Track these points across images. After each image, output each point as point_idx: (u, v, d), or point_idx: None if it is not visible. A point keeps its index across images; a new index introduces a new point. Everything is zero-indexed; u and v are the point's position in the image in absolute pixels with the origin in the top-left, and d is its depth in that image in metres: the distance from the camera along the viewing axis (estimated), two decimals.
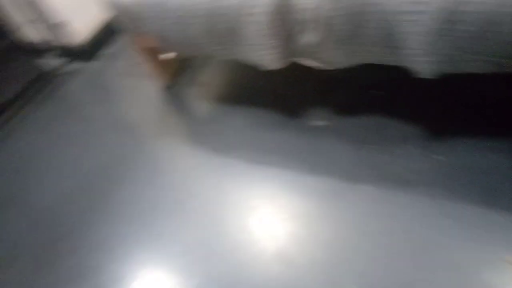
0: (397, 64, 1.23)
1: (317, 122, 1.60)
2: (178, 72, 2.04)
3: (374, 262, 1.18)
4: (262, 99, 1.77)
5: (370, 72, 1.70)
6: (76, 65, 2.31)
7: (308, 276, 1.20)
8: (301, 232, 1.30)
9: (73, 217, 1.56)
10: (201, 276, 1.27)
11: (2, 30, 2.06)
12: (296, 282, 1.19)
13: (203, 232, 1.38)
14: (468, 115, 1.45)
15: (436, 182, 1.30)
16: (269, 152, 1.56)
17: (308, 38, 1.22)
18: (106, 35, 2.36)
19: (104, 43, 2.37)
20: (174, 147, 1.71)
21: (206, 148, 1.66)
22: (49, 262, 1.43)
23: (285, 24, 1.23)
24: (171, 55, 1.97)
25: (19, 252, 1.49)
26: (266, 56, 1.29)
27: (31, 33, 2.25)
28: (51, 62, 2.33)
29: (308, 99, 1.70)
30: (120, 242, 1.43)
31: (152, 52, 1.83)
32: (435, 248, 1.17)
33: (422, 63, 1.13)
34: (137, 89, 2.05)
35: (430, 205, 1.26)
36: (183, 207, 1.47)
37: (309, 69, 1.59)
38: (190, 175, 1.58)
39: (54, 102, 2.12)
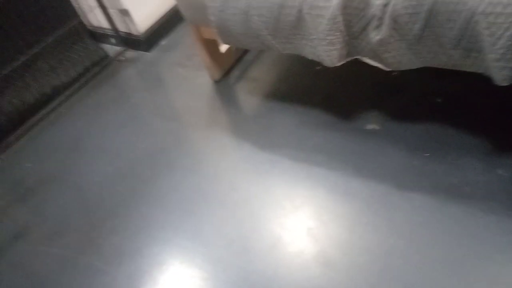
0: (469, 69, 1.16)
1: (369, 125, 1.55)
2: (230, 66, 2.06)
3: (421, 274, 1.12)
4: (313, 97, 1.75)
5: (432, 78, 1.62)
6: (134, 53, 2.39)
7: (348, 281, 1.16)
8: (343, 235, 1.26)
9: (118, 199, 1.60)
10: (235, 270, 1.27)
11: (71, 13, 2.17)
12: (335, 286, 1.16)
13: (242, 226, 1.38)
14: None
15: (495, 197, 1.22)
16: (316, 151, 1.53)
17: (375, 35, 1.18)
18: (165, 25, 2.42)
19: (163, 33, 2.43)
20: (220, 139, 1.72)
21: (251, 143, 1.65)
22: (93, 240, 1.49)
23: (352, 20, 1.20)
24: (227, 47, 1.99)
25: (66, 227, 1.56)
26: (329, 51, 1.26)
27: (97, 19, 2.36)
28: (111, 48, 2.43)
29: (362, 101, 1.65)
30: (161, 227, 1.45)
31: (209, 44, 1.86)
32: (488, 265, 1.09)
33: (499, 68, 1.05)
34: (189, 80, 2.09)
35: (486, 220, 1.17)
36: (225, 199, 1.48)
37: (366, 70, 1.54)
38: (234, 168, 1.58)
39: (108, 87, 2.21)
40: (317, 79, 1.82)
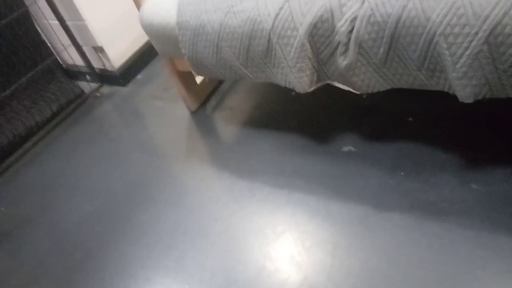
0: (435, 88, 1.20)
1: (345, 147, 1.57)
2: (206, 96, 2.07)
3: None
4: (289, 122, 1.77)
5: (402, 98, 1.67)
6: (110, 89, 2.39)
7: None
8: (326, 260, 1.25)
9: (97, 239, 1.56)
10: None
11: (45, 53, 2.17)
12: None
13: (225, 257, 1.35)
14: (510, 143, 1.38)
15: (472, 212, 1.23)
16: (294, 176, 1.53)
17: (342, 61, 1.21)
18: (141, 59, 2.44)
19: (139, 68, 2.45)
20: (199, 170, 1.71)
21: (231, 171, 1.65)
22: (69, 285, 1.43)
23: (319, 47, 1.23)
24: (201, 79, 2.01)
25: (42, 272, 1.50)
26: (299, 78, 1.29)
27: (71, 56, 2.36)
28: (87, 85, 2.42)
29: (337, 124, 1.67)
30: (141, 266, 1.41)
31: (184, 76, 1.88)
32: (470, 281, 1.09)
33: (462, 86, 1.09)
34: (166, 112, 2.09)
35: (464, 235, 1.18)
36: (207, 231, 1.45)
37: (338, 94, 1.57)
38: (214, 199, 1.56)
39: (85, 124, 2.19)
40: (292, 105, 1.85)
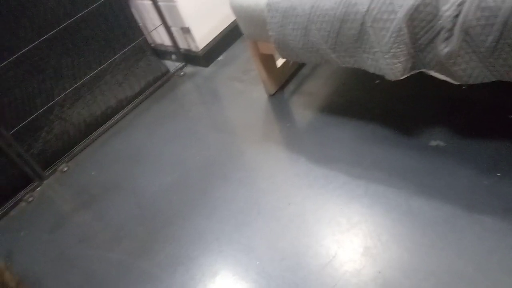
0: None
1: (433, 142, 1.47)
2: (286, 80, 2.07)
3: None
4: (371, 112, 1.70)
5: (504, 92, 1.52)
6: (192, 69, 2.48)
7: None
8: (405, 256, 1.19)
9: (174, 208, 1.65)
10: (289, 286, 1.24)
11: (137, 32, 2.31)
12: None
13: (296, 241, 1.35)
14: None
15: None
16: (374, 168, 1.47)
17: (443, 48, 1.13)
18: (223, 41, 2.50)
19: (221, 49, 2.51)
20: (274, 153, 1.72)
21: (306, 157, 1.63)
22: (149, 247, 1.53)
23: (418, 32, 1.16)
24: (283, 62, 2.01)
25: (125, 234, 1.62)
26: (392, 65, 1.23)
27: (160, 36, 2.49)
28: (172, 64, 2.54)
29: (426, 116, 1.58)
30: (215, 238, 1.47)
31: (266, 59, 1.89)
32: None
33: None
34: (245, 94, 2.12)
35: None
36: (280, 213, 1.46)
37: (429, 83, 1.48)
38: (288, 183, 1.56)
39: (168, 101, 2.30)
40: (376, 93, 1.77)
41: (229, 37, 2.53)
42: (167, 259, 1.46)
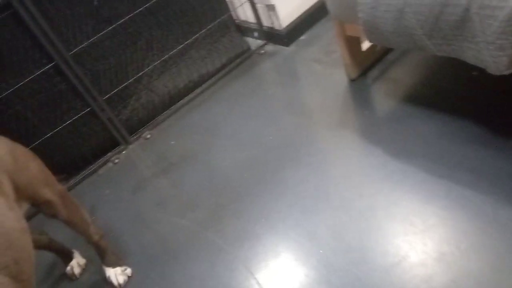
0: None
1: None
2: (369, 65, 1.96)
3: None
4: (464, 106, 1.55)
5: None
6: (273, 47, 2.47)
7: None
8: (484, 270, 1.09)
9: (244, 184, 1.68)
10: (351, 279, 1.21)
11: (223, 8, 2.34)
12: None
13: (364, 235, 1.31)
14: None
15: None
16: (460, 168, 1.35)
17: None
18: (307, 21, 2.44)
19: (303, 29, 2.45)
20: (350, 141, 1.66)
21: (383, 149, 1.55)
22: (219, 219, 1.59)
23: None
24: (369, 46, 1.90)
25: (197, 203, 1.70)
26: (497, 57, 1.10)
27: (244, 13, 2.50)
28: (253, 41, 2.55)
29: None
30: (282, 219, 1.48)
31: (351, 41, 1.81)
32: None
33: None
34: (324, 77, 2.06)
35: None
36: (349, 204, 1.42)
37: None
38: (362, 174, 1.50)
39: (247, 78, 2.32)
40: (472, 86, 1.61)
41: (313, 16, 2.45)
42: (234, 233, 1.51)
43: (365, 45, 1.92)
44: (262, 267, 1.36)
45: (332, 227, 1.37)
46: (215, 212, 1.63)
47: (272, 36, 2.46)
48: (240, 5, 2.45)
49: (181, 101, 2.34)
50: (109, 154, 2.17)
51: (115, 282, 1.49)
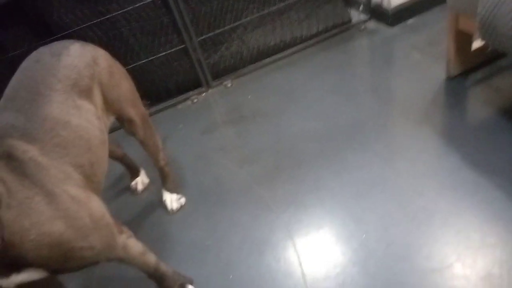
0: None
1: None
2: (474, 66, 1.80)
3: None
4: None
5: None
6: (375, 25, 2.36)
7: None
8: None
9: (306, 153, 1.69)
10: (386, 271, 1.19)
11: None
12: None
13: (412, 234, 1.26)
14: None
15: None
16: None
17: None
18: (419, 4, 2.27)
19: (413, 12, 2.29)
20: (427, 138, 1.57)
21: (461, 155, 1.45)
22: (272, 179, 1.63)
23: None
24: (480, 45, 1.74)
25: (257, 158, 1.75)
26: None
27: None
28: (356, 15, 2.45)
29: None
30: (332, 196, 1.47)
31: (461, 36, 1.66)
32: None
33: None
34: (420, 67, 1.94)
35: None
36: (405, 200, 1.37)
37: None
38: (428, 174, 1.43)
39: (338, 52, 2.26)
40: None
41: (428, 1, 2.27)
42: (284, 196, 1.54)
43: (476, 44, 1.75)
44: (302, 234, 1.39)
45: (382, 217, 1.34)
46: (271, 172, 1.67)
47: (378, 13, 2.34)
48: None
49: (268, 59, 2.36)
50: (191, 93, 2.29)
51: (169, 206, 1.63)
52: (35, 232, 0.81)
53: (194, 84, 2.29)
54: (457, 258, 1.16)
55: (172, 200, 1.63)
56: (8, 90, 1.08)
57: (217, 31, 2.17)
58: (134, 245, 1.10)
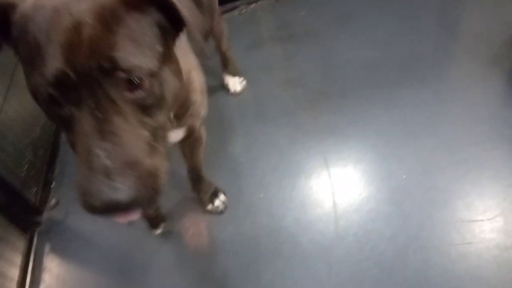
0: None
1: None
2: None
3: None
4: None
5: None
6: None
7: None
8: None
9: (356, 83, 1.58)
10: (415, 214, 1.16)
11: None
12: None
13: (454, 183, 1.21)
14: None
15: None
16: None
17: None
18: None
19: None
20: (494, 82, 1.43)
21: None
22: (315, 106, 1.56)
23: None
24: None
25: (302, 82, 1.66)
26: None
27: None
28: None
29: None
30: (373, 131, 1.40)
31: None
32: None
33: None
34: (498, 3, 1.69)
35: None
36: (454, 146, 1.29)
37: None
38: (487, 123, 1.32)
39: None
40: None
41: None
42: (326, 124, 1.48)
43: None
44: (339, 165, 1.36)
45: (428, 161, 1.28)
46: (316, 98, 1.59)
47: None
48: None
49: None
50: (239, 2, 2.14)
51: (232, 88, 1.69)
52: (192, 73, 0.85)
53: None
54: (501, 213, 1.11)
55: (235, 83, 1.68)
56: None
57: None
58: (204, 130, 1.10)
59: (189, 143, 1.07)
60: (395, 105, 1.46)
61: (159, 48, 0.58)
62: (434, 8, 1.80)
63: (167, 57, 0.60)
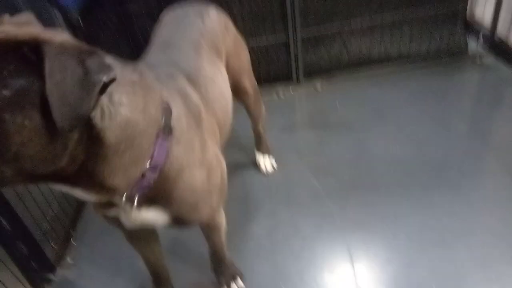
0: None
1: None
2: None
3: None
4: None
5: None
6: (495, 62, 2.12)
7: None
8: None
9: (386, 180, 1.57)
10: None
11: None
12: None
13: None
14: None
15: None
16: None
17: None
18: None
19: None
20: None
21: None
22: (345, 197, 1.53)
23: None
24: None
25: (333, 171, 1.66)
26: None
27: (483, 9, 2.20)
28: (475, 45, 2.24)
29: None
30: (412, 235, 1.35)
31: None
32: None
33: None
34: None
35: None
36: (488, 261, 1.22)
37: None
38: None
39: (443, 78, 2.08)
40: None
41: None
42: (352, 216, 1.45)
43: None
44: (365, 264, 1.30)
45: (458, 275, 1.21)
46: (345, 188, 1.57)
47: (500, 49, 2.11)
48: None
49: (366, 69, 2.23)
50: (279, 88, 2.22)
51: (263, 167, 1.72)
52: (188, 172, 0.80)
53: (284, 79, 2.23)
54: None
55: (266, 162, 1.72)
56: (158, 38, 1.14)
57: (323, 25, 2.07)
58: (223, 216, 1.08)
59: (204, 228, 1.06)
60: (427, 209, 1.43)
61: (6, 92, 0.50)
62: (469, 117, 1.84)
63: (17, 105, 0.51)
